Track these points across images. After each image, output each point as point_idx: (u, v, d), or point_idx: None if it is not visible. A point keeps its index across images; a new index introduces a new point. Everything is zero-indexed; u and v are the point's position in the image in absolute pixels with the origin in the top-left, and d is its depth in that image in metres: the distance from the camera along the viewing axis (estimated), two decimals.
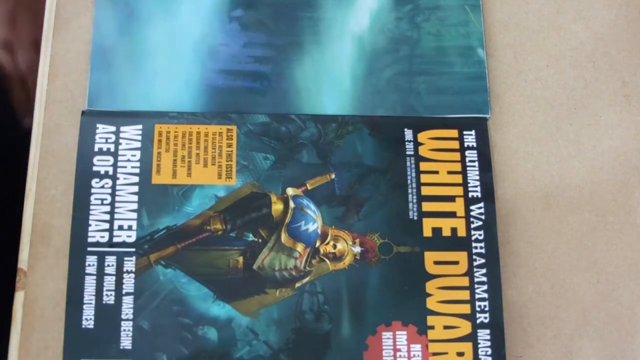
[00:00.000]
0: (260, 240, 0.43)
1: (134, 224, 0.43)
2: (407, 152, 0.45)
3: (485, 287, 0.44)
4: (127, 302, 0.41)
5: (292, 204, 0.44)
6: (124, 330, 0.41)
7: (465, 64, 0.47)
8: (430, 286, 0.43)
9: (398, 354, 0.42)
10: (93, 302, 0.41)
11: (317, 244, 0.43)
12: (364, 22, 0.47)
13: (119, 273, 0.42)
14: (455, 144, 0.46)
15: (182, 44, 0.46)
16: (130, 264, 0.42)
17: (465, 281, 0.44)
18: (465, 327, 0.43)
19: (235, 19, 0.46)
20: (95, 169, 0.43)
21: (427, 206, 0.44)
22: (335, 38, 0.47)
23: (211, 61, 0.46)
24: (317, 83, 0.46)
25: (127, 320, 0.41)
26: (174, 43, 0.46)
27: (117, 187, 0.43)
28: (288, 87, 0.46)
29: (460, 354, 0.43)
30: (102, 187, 0.43)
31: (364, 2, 0.48)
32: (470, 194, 0.45)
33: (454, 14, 0.48)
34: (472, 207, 0.45)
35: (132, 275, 0.42)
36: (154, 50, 0.46)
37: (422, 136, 0.46)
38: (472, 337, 0.43)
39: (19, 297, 0.42)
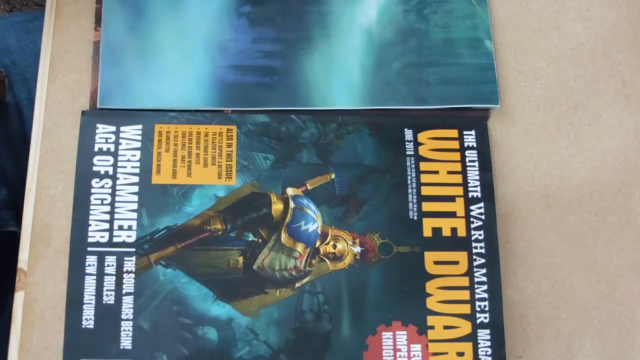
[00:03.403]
0: (260, 240, 0.43)
1: (134, 224, 0.43)
2: (407, 152, 0.45)
3: (485, 287, 0.43)
4: (127, 302, 0.41)
5: (292, 204, 0.44)
6: (124, 330, 0.41)
7: (473, 55, 0.47)
8: (430, 286, 0.43)
9: (398, 354, 0.42)
10: (93, 302, 0.41)
11: (317, 244, 0.43)
12: (372, 14, 0.48)
13: (119, 273, 0.42)
14: (455, 144, 0.46)
15: (191, 40, 0.46)
16: (130, 264, 0.42)
17: (465, 281, 0.43)
18: (465, 327, 0.43)
19: (243, 14, 0.46)
20: (95, 169, 0.43)
21: (427, 206, 0.44)
22: (344, 31, 0.47)
23: (220, 57, 0.46)
24: (327, 76, 0.46)
25: (127, 320, 0.41)
26: (183, 40, 0.46)
27: (117, 187, 0.43)
28: (298, 81, 0.46)
29: (460, 354, 0.43)
30: (102, 187, 0.43)
31: None
32: (470, 194, 0.45)
33: (461, 6, 0.48)
34: (472, 207, 0.45)
35: (132, 275, 0.42)
36: (164, 47, 0.46)
37: (422, 136, 0.46)
38: (472, 337, 0.43)
39: (19, 297, 0.42)
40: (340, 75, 0.46)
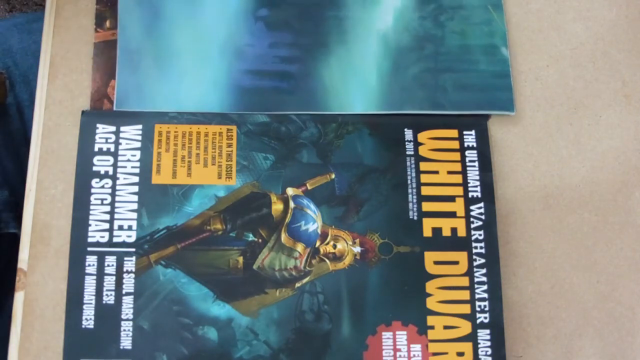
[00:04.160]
0: (260, 240, 0.43)
1: (134, 224, 0.43)
2: (407, 152, 0.45)
3: (485, 287, 0.43)
4: (127, 302, 0.41)
5: (292, 204, 0.44)
6: (124, 330, 0.41)
7: (490, 62, 0.47)
8: (430, 286, 0.43)
9: (398, 354, 0.42)
10: (93, 302, 0.41)
11: (317, 244, 0.43)
12: (388, 20, 0.48)
13: (119, 273, 0.42)
14: (455, 144, 0.46)
15: (209, 44, 0.46)
16: (130, 264, 0.42)
17: (465, 281, 0.43)
18: (465, 327, 0.43)
19: (260, 19, 0.46)
20: (95, 169, 0.43)
21: (427, 206, 0.44)
22: (361, 37, 0.47)
23: (238, 62, 0.46)
24: (344, 81, 0.46)
25: (127, 320, 0.41)
26: (200, 44, 0.46)
27: (117, 187, 0.43)
28: (315, 86, 0.46)
29: (460, 354, 0.43)
30: (102, 187, 0.43)
31: (388, 1, 0.48)
32: (470, 194, 0.45)
33: (477, 13, 0.48)
34: (472, 207, 0.45)
35: (132, 275, 0.42)
36: (181, 51, 0.46)
37: (422, 136, 0.46)
38: (472, 337, 0.43)
39: (19, 297, 0.42)
40: (357, 80, 0.46)
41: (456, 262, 0.44)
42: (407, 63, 0.47)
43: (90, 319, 0.41)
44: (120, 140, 0.44)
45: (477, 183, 0.45)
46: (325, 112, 0.46)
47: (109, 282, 0.42)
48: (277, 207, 0.44)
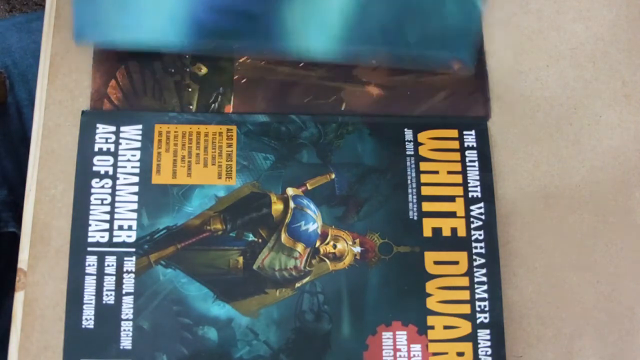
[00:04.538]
0: (260, 240, 0.43)
1: (134, 224, 0.43)
2: (407, 152, 0.45)
3: (485, 287, 0.43)
4: (127, 302, 0.41)
5: (292, 204, 0.44)
6: (124, 330, 0.41)
7: (460, 12, 0.46)
8: (430, 286, 0.43)
9: (398, 354, 0.42)
10: (93, 302, 0.41)
11: (317, 244, 0.43)
12: None
13: (119, 273, 0.42)
14: (455, 144, 0.46)
15: None
16: (130, 264, 0.42)
17: (465, 281, 0.43)
18: (465, 327, 0.43)
19: None
20: (95, 169, 0.43)
21: (427, 206, 0.44)
22: None
23: None
24: (306, 26, 0.45)
25: (127, 320, 0.41)
26: None
27: (117, 187, 0.43)
28: (276, 29, 0.45)
29: (460, 354, 0.43)
30: (102, 187, 0.43)
31: None
32: (470, 194, 0.45)
33: None
34: (472, 207, 0.45)
35: (132, 275, 0.42)
36: None
37: (422, 136, 0.46)
38: (472, 337, 0.43)
39: (19, 297, 0.42)
40: (319, 25, 0.45)
41: (456, 262, 0.44)
42: (374, 8, 0.45)
43: (90, 318, 0.41)
44: (120, 140, 0.44)
45: (477, 183, 0.45)
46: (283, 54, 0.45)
47: (109, 282, 0.42)
48: (277, 207, 0.44)
